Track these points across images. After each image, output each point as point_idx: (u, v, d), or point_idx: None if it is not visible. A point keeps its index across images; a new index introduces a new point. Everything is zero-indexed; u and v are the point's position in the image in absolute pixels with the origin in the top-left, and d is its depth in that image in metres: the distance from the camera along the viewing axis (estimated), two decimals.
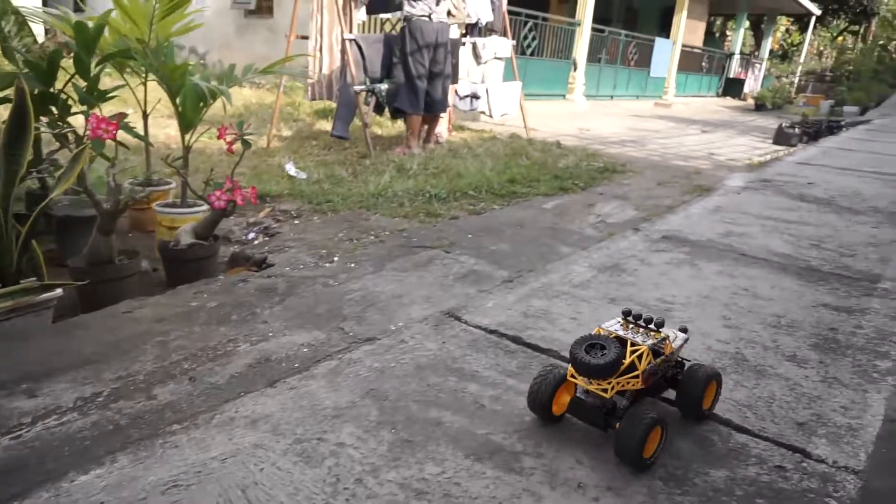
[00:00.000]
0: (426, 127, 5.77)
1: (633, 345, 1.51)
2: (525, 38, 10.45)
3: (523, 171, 4.99)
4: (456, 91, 6.45)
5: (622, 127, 9.61)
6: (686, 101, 16.60)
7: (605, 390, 1.47)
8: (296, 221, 3.46)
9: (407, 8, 5.16)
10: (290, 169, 4.50)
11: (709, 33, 22.73)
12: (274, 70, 3.12)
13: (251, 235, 3.31)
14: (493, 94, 6.73)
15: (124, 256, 2.44)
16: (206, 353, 1.85)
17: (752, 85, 21.32)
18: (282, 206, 3.73)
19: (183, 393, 1.64)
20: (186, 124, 2.87)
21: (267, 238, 3.22)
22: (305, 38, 5.42)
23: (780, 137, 9.18)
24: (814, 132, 10.06)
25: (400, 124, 6.53)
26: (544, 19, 10.86)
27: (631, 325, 1.61)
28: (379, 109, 5.64)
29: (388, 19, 6.72)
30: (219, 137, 2.59)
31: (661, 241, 3.31)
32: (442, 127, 6.25)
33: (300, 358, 1.85)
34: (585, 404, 1.53)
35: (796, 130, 9.43)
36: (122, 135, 2.52)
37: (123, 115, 2.43)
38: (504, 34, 7.01)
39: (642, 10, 19.93)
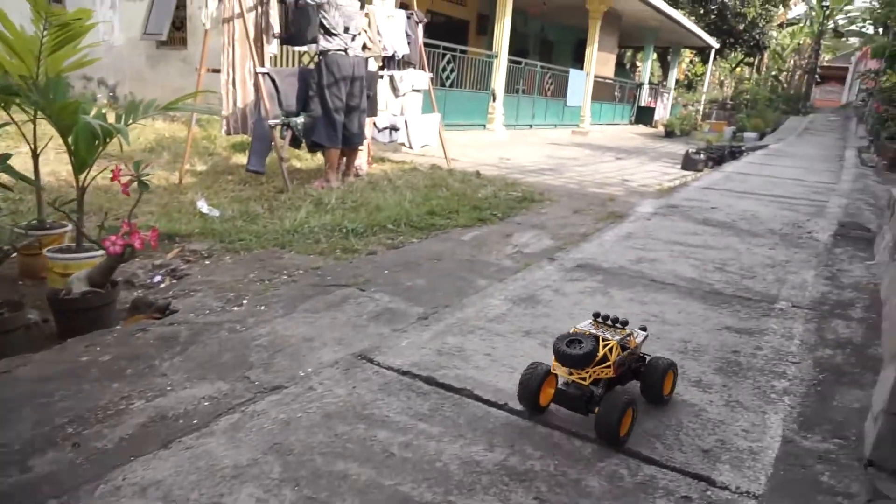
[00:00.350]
0: (345, 160, 5.73)
1: (604, 340, 1.80)
2: (444, 70, 10.63)
3: (443, 202, 5.01)
4: (374, 123, 6.46)
5: (541, 155, 9.88)
6: (602, 129, 17.29)
7: (583, 379, 1.76)
8: (206, 262, 3.32)
9: (322, 42, 5.14)
10: (202, 206, 4.34)
11: (620, 65, 23.91)
12: (177, 107, 3.01)
13: (157, 279, 3.15)
14: (412, 125, 6.77)
15: (6, 308, 2.25)
16: (94, 414, 1.71)
17: (662, 113, 22.48)
18: (192, 246, 3.58)
19: (64, 462, 1.50)
20: (80, 164, 2.71)
21: (174, 281, 3.07)
22: (217, 71, 5.29)
23: (688, 163, 9.69)
24: (718, 157, 10.66)
25: (320, 157, 6.45)
26: (462, 52, 11.10)
27: (601, 325, 1.90)
28: (295, 143, 5.55)
29: (305, 52, 6.68)
30: (112, 179, 2.45)
31: (576, 270, 3.38)
32: (361, 159, 6.22)
33: (200, 413, 1.75)
34: (568, 393, 1.79)
35: (702, 156, 9.98)
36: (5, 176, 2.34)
37: (5, 157, 2.27)
38: (421, 67, 7.10)
39: (557, 42, 20.75)
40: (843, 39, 32.63)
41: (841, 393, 2.16)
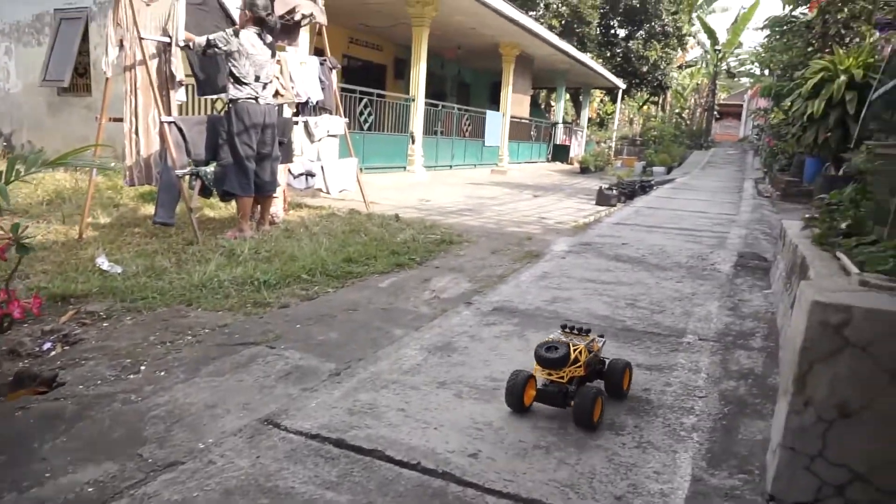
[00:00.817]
0: (259, 208, 5.59)
1: (574, 345, 2.20)
2: (361, 114, 10.68)
3: (360, 248, 4.95)
4: (290, 170, 6.36)
5: (461, 196, 10.01)
6: (520, 167, 17.80)
7: (562, 378, 2.16)
8: (104, 324, 3.11)
9: (232, 91, 5.04)
10: (103, 263, 4.10)
11: (535, 105, 24.84)
12: (66, 162, 2.83)
13: (47, 346, 2.91)
14: (328, 171, 6.72)
15: None
16: None
17: (577, 150, 23.43)
18: (89, 307, 3.35)
19: None
20: None
21: (66, 347, 2.85)
22: (119, 120, 5.09)
23: (601, 199, 10.06)
24: (629, 192, 11.16)
25: (234, 205, 6.27)
26: (380, 96, 11.21)
27: (569, 333, 2.33)
28: (206, 193, 5.38)
29: (218, 99, 6.54)
30: None
31: (493, 314, 3.39)
32: (277, 207, 6.09)
33: (81, 502, 1.59)
34: (548, 391, 2.18)
35: (614, 192, 10.40)
36: None
37: None
38: (337, 112, 7.09)
39: (474, 84, 21.36)
40: (736, 79, 35.34)
41: (745, 425, 2.23)
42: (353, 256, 4.63)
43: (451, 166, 14.06)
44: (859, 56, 9.78)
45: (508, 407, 2.19)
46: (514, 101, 17.52)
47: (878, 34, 10.57)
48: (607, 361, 2.36)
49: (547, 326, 3.21)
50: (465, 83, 21.05)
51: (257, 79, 5.12)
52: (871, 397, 1.57)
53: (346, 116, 10.69)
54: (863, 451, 1.59)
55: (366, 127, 10.81)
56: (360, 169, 10.41)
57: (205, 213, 6.38)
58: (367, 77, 16.06)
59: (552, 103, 28.45)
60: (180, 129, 5.05)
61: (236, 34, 4.96)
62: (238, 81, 5.03)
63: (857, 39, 11.35)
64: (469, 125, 15.14)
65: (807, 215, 4.22)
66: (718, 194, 11.46)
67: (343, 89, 11.02)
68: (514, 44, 15.65)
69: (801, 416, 1.64)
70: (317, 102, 6.70)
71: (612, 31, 26.84)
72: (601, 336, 2.43)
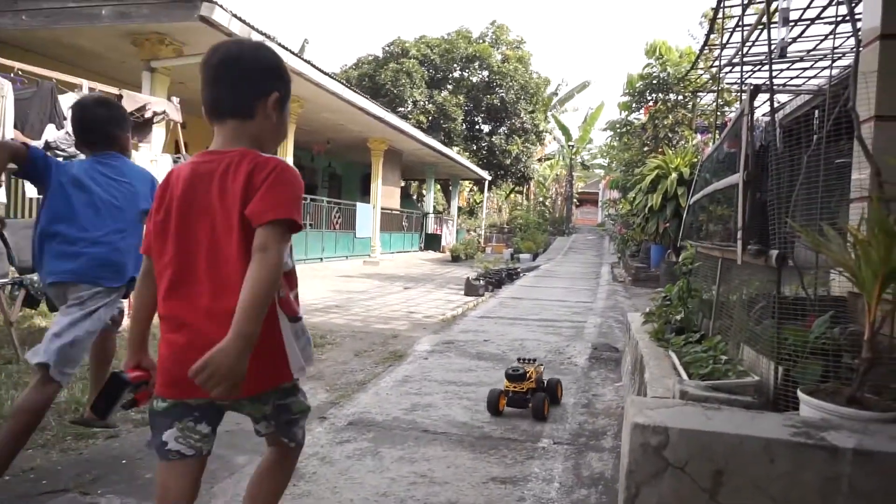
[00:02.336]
0: None
1: (527, 369, 3.62)
2: None
3: None
4: None
5: (330, 290, 9.83)
6: (393, 258, 17.94)
7: (523, 389, 3.52)
8: None
9: None
10: None
11: (406, 195, 25.54)
12: None
13: None
14: None
15: None
16: None
17: (449, 238, 24.12)
18: None
19: None
20: None
21: None
22: None
23: (470, 289, 10.29)
24: (496, 281, 11.53)
25: None
26: None
27: (524, 362, 3.77)
28: (33, 303, 4.84)
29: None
30: None
31: (347, 429, 3.23)
32: (122, 305, 5.59)
33: None
34: (515, 398, 3.52)
35: (481, 282, 10.69)
36: None
37: None
38: None
39: (345, 176, 21.65)
40: (590, 170, 38.71)
41: None
42: None
43: (321, 259, 13.88)
44: (685, 156, 11.06)
45: (488, 411, 3.53)
46: (385, 193, 17.88)
47: (698, 137, 12.08)
48: (546, 380, 3.80)
49: (403, 440, 3.10)
50: (337, 175, 21.28)
51: None
52: None
53: None
54: None
55: None
56: None
57: (34, 322, 5.72)
58: None
59: (423, 193, 29.43)
60: (1, 234, 4.57)
61: None
62: None
63: (683, 141, 12.87)
64: (339, 217, 15.16)
65: (647, 309, 4.52)
66: (578, 281, 12.15)
67: None
68: (382, 139, 16.14)
69: None
70: None
71: (477, 127, 28.60)
72: (541, 364, 3.90)
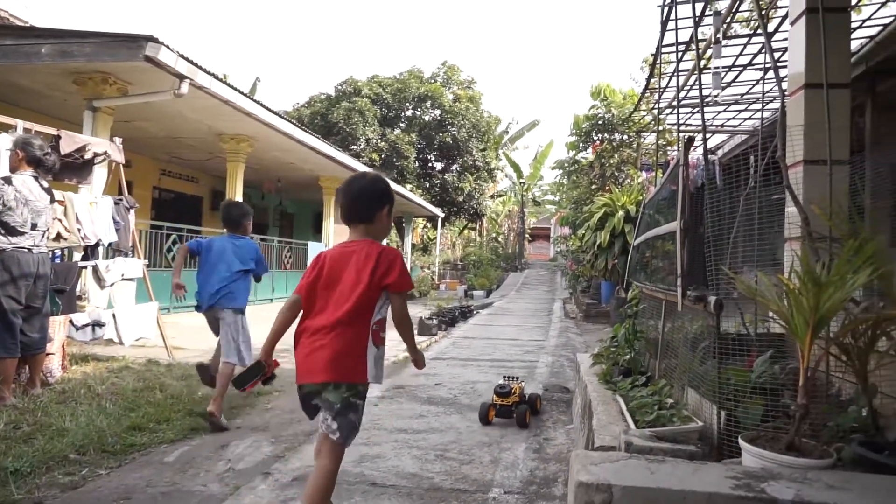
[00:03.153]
0: (27, 368, 4.83)
1: (512, 386, 4.45)
2: (169, 250, 10.08)
3: (152, 410, 4.41)
4: (71, 321, 5.65)
5: None
6: None
7: (508, 402, 4.34)
8: None
9: (1, 241, 4.44)
10: None
11: None
12: None
13: None
14: (121, 318, 6.09)
15: None
16: None
17: None
18: None
19: None
20: None
21: None
22: None
23: (423, 328, 10.23)
24: (450, 319, 11.49)
25: None
26: (191, 231, 10.71)
27: (508, 379, 4.60)
28: None
29: None
30: None
31: (291, 486, 3.11)
32: (54, 363, 5.31)
33: None
34: (502, 410, 4.31)
35: (435, 321, 10.64)
36: None
37: None
38: (134, 253, 6.58)
39: (297, 215, 21.44)
40: (542, 206, 39.40)
41: None
42: (141, 422, 4.10)
43: (272, 300, 13.60)
44: (631, 194, 11.37)
45: (480, 422, 4.31)
46: (338, 231, 17.72)
47: (643, 175, 12.47)
48: (528, 394, 4.63)
49: (350, 494, 3.00)
50: (289, 213, 21.04)
51: (34, 227, 4.61)
52: None
53: (153, 254, 10.03)
54: None
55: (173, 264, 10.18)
56: (169, 309, 9.69)
57: None
58: (181, 210, 15.44)
59: None
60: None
61: (8, 181, 4.46)
62: (11, 231, 4.46)
63: (629, 180, 13.25)
64: (290, 257, 14.94)
65: (596, 350, 4.56)
66: (531, 318, 12.21)
67: (152, 226, 10.42)
68: (333, 177, 16.09)
69: None
70: (110, 244, 6.18)
71: (430, 165, 28.85)
72: (522, 381, 4.72)
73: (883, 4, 6.04)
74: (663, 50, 6.90)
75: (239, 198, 11.70)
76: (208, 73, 8.26)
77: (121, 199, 6.41)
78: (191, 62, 7.82)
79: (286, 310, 2.52)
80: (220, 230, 12.34)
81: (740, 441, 2.01)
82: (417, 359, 2.75)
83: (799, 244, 3.08)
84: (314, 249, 15.73)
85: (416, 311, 14.13)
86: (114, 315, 6.05)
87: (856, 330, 2.04)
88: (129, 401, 4.65)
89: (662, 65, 8.36)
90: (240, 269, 4.63)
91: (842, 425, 2.42)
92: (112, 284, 6.21)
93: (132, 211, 6.58)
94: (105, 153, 6.24)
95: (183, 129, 11.10)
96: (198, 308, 4.82)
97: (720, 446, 2.36)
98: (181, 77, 7.73)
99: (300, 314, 2.50)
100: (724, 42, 6.67)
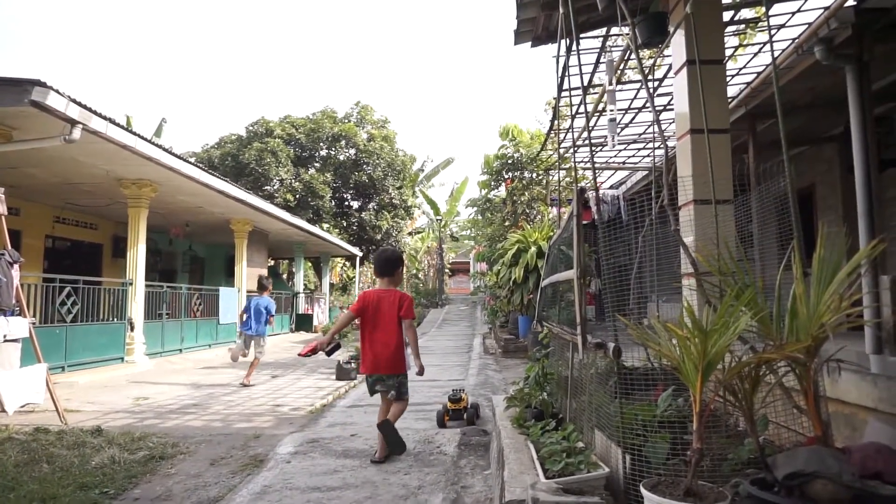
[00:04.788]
0: None
1: (462, 394, 5.97)
2: (63, 304, 9.39)
3: (36, 487, 4.02)
4: None
5: (188, 386, 9.09)
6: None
7: (460, 407, 5.85)
8: None
9: None
10: None
11: (275, 275, 24.69)
12: None
13: None
14: (4, 384, 5.58)
15: None
16: None
17: (321, 317, 23.48)
18: None
19: None
20: None
21: None
22: None
23: (341, 373, 9.97)
24: None
25: None
26: (87, 282, 10.04)
27: (457, 392, 5.98)
28: None
29: None
30: None
31: None
32: None
33: None
34: (454, 413, 5.80)
35: (353, 364, 10.39)
36: None
37: None
38: (19, 312, 6.08)
39: (208, 259, 20.63)
40: (460, 241, 39.88)
41: None
42: None
43: (181, 350, 12.91)
44: (543, 230, 11.69)
45: (437, 425, 5.63)
46: (251, 275, 17.16)
47: (553, 211, 12.88)
48: (472, 402, 6.04)
49: None
50: (199, 257, 20.22)
51: None
52: None
53: (45, 309, 9.40)
54: None
55: (69, 319, 9.47)
56: (63, 368, 8.98)
57: None
58: (77, 259, 14.53)
59: (294, 272, 28.72)
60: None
61: None
62: None
63: (540, 216, 13.65)
64: (200, 304, 14.30)
65: (510, 392, 4.58)
66: (451, 356, 12.19)
67: (44, 279, 9.71)
68: (245, 220, 15.66)
69: None
70: None
71: (346, 203, 28.68)
72: (464, 390, 6.07)
73: (754, 56, 6.59)
74: (563, 95, 7.23)
75: (142, 247, 11.16)
76: (104, 117, 7.89)
77: (2, 254, 5.94)
78: (83, 106, 7.45)
79: (345, 319, 5.03)
80: (122, 279, 11.59)
81: (641, 489, 2.04)
82: (421, 367, 4.63)
83: (693, 279, 3.24)
84: (226, 296, 15.16)
85: (335, 354, 13.80)
86: None
87: (741, 373, 2.14)
88: (9, 479, 4.22)
89: (564, 108, 8.73)
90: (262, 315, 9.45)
91: (739, 458, 2.53)
92: None
93: (17, 266, 6.10)
94: None
95: (78, 174, 10.51)
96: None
97: (627, 491, 2.39)
98: (73, 122, 7.34)
99: (355, 321, 4.91)
100: (618, 87, 7.06)
